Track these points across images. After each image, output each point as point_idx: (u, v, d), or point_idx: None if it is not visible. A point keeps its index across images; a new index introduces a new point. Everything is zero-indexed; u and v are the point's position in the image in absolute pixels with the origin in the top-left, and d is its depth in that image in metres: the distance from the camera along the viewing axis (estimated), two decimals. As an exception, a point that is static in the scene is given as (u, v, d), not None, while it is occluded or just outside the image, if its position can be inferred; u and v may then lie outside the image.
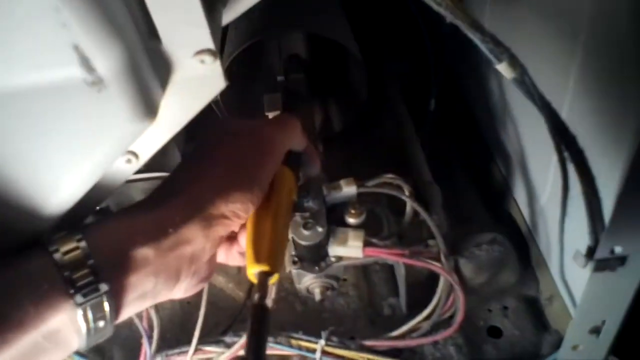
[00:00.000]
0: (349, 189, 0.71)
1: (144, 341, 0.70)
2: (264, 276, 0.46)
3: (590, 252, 0.52)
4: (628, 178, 0.45)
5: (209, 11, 0.37)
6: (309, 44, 1.04)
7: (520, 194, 0.83)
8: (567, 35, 0.55)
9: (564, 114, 0.56)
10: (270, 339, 0.73)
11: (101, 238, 0.38)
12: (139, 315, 0.71)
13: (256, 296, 0.43)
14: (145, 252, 0.38)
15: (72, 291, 0.34)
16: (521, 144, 0.80)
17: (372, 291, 0.83)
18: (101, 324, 0.36)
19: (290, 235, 0.67)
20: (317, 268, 0.71)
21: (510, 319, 0.78)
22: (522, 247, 0.83)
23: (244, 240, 0.48)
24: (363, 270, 0.85)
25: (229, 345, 0.73)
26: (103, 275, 0.36)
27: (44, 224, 0.36)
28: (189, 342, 0.71)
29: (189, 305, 0.81)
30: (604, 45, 0.48)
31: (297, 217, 0.67)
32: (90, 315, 0.35)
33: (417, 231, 0.79)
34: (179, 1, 0.34)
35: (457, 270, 0.81)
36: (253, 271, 0.46)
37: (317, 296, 0.76)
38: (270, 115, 0.90)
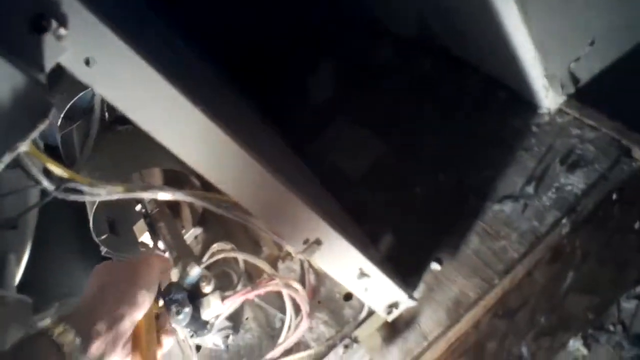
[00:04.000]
0: (194, 271, 0.99)
1: None
2: None
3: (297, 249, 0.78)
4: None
5: None
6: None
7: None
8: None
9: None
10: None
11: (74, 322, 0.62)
12: None
13: None
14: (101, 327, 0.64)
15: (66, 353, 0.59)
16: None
17: (267, 314, 1.10)
18: None
19: (173, 325, 0.95)
20: (206, 330, 0.99)
21: (355, 280, 1.04)
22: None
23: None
24: (257, 303, 1.13)
25: (187, 412, 1.02)
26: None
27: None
28: None
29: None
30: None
31: (172, 308, 0.95)
32: None
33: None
34: None
35: (312, 265, 1.09)
36: None
37: (222, 346, 1.04)
38: (140, 238, 1.18)
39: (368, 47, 1.43)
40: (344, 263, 0.83)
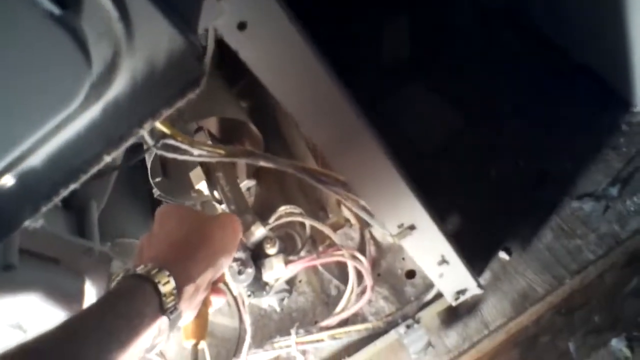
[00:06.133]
0: (259, 231, 0.96)
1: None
2: (194, 346, 0.74)
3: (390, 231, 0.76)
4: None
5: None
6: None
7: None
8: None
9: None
10: (259, 350, 1.01)
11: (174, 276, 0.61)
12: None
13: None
14: (190, 289, 0.63)
15: (166, 310, 0.58)
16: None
17: (322, 280, 1.08)
18: (170, 333, 0.61)
19: (232, 283, 0.93)
20: (264, 292, 0.97)
21: (419, 258, 1.02)
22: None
23: None
24: (312, 268, 1.11)
25: (237, 367, 1.01)
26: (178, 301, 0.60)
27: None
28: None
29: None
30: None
31: (234, 266, 0.93)
32: (169, 323, 0.59)
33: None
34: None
35: (373, 237, 1.06)
36: (186, 344, 0.74)
37: (278, 308, 1.03)
38: (197, 185, 1.15)
39: (447, 10, 1.35)
40: (430, 249, 0.81)
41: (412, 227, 0.75)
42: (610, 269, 0.94)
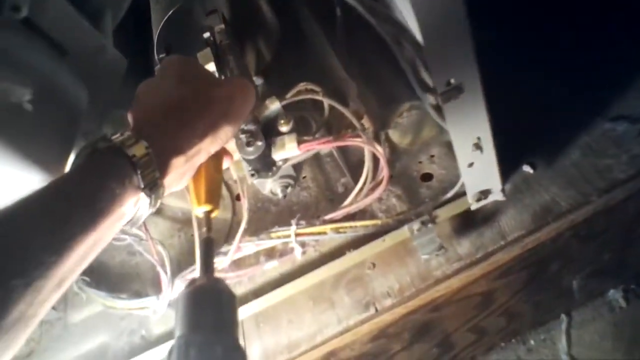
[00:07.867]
0: (273, 106, 0.88)
1: (159, 269, 0.91)
2: (207, 214, 0.64)
3: (435, 90, 0.69)
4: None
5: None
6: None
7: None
8: None
9: None
10: (254, 238, 0.93)
11: (156, 148, 0.52)
12: (150, 253, 0.92)
13: (204, 230, 0.61)
14: (179, 161, 0.55)
15: (143, 186, 0.50)
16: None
17: (328, 178, 1.01)
18: (152, 210, 0.54)
19: (240, 156, 0.85)
20: (270, 173, 0.89)
21: (437, 163, 0.95)
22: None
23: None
24: (318, 165, 1.03)
25: (225, 254, 0.93)
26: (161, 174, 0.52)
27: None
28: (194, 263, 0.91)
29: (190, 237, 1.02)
30: None
31: (242, 138, 0.85)
32: (149, 200, 0.52)
33: (343, 119, 0.95)
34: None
35: (388, 140, 0.99)
36: (198, 211, 0.64)
37: (280, 194, 0.95)
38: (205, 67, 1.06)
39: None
40: (469, 125, 0.74)
41: (459, 89, 0.68)
42: (636, 194, 0.90)
